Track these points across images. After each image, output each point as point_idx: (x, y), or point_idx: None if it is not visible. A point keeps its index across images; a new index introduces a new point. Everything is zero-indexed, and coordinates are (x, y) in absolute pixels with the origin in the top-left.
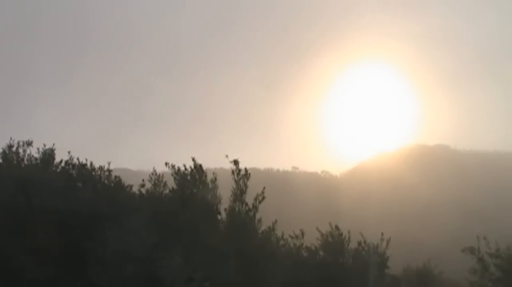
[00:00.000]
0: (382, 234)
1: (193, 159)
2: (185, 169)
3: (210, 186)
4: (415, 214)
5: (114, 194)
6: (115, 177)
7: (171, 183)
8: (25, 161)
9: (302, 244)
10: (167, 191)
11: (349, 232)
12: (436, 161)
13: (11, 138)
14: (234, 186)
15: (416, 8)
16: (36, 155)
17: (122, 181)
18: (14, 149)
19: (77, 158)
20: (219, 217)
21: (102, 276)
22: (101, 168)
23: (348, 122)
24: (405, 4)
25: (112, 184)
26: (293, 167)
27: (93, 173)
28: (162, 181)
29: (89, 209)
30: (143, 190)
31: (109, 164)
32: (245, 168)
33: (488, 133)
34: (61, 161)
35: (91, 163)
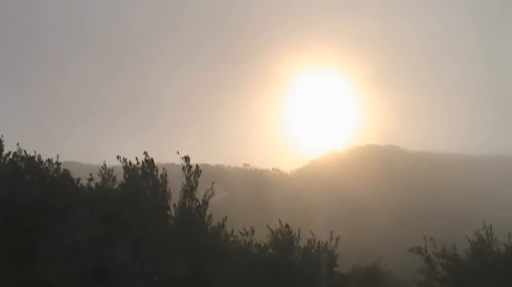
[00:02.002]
0: (331, 232)
1: (145, 153)
2: (137, 162)
3: (160, 181)
4: (355, 213)
5: (62, 187)
6: (64, 170)
7: (123, 177)
8: None
9: (252, 241)
10: (116, 185)
11: (299, 229)
12: (384, 161)
13: None
14: (185, 182)
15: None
16: None
17: (71, 174)
18: None
19: (25, 151)
20: (168, 212)
21: (49, 271)
22: (49, 161)
23: (302, 120)
24: (352, 5)
25: (61, 177)
26: (244, 164)
27: (41, 166)
28: (111, 175)
29: (37, 202)
30: (92, 184)
31: (57, 157)
32: (196, 165)
33: (440, 134)
34: (9, 153)
35: (39, 156)
